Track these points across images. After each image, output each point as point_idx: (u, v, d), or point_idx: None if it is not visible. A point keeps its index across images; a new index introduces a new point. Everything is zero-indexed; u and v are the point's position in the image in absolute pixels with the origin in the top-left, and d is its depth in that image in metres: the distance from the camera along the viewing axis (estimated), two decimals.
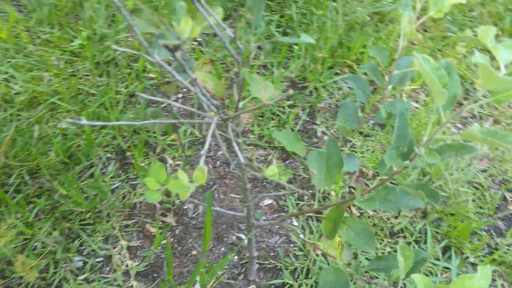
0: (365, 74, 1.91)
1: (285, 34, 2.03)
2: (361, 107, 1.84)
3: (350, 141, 1.73)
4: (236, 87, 0.74)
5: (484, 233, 1.49)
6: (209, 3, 1.34)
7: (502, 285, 1.38)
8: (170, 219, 1.49)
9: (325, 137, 1.76)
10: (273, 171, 0.54)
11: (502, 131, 0.58)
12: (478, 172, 1.63)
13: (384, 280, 1.34)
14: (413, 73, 0.87)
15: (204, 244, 0.96)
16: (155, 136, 1.66)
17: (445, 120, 0.62)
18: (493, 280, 1.39)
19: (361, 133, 1.76)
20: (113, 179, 1.54)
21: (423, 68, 0.57)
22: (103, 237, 1.42)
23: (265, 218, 1.52)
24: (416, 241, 1.46)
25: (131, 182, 1.54)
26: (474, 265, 1.42)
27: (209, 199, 0.94)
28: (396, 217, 1.51)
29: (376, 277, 1.35)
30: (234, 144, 0.65)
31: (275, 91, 0.78)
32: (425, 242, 1.45)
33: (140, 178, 1.54)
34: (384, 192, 0.85)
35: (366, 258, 1.39)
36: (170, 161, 1.62)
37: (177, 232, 1.47)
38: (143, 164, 1.58)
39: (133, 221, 1.47)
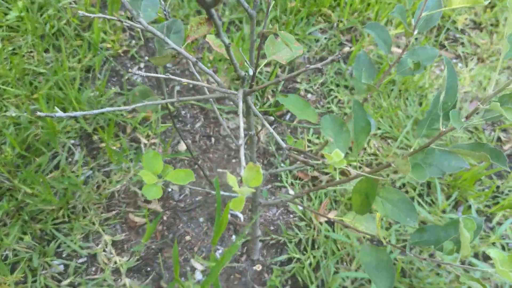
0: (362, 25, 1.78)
1: None
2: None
3: (336, 97, 1.62)
4: (250, 52, 0.59)
5: (486, 178, 1.45)
6: None
7: (510, 227, 1.35)
8: (155, 205, 1.33)
9: (309, 95, 1.63)
10: (339, 156, 0.41)
11: None
12: (475, 113, 1.57)
13: (433, 256, 1.27)
14: (440, 15, 0.75)
15: (215, 237, 0.83)
16: (122, 115, 1.47)
17: None
18: (500, 223, 1.35)
19: (346, 86, 1.64)
20: (83, 168, 1.35)
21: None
22: (83, 235, 1.25)
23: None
24: (420, 195, 1.39)
25: (104, 169, 1.36)
26: (481, 212, 1.37)
27: (217, 186, 0.80)
28: (395, 172, 1.44)
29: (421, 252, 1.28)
30: (266, 124, 0.50)
31: (295, 46, 0.63)
32: (428, 195, 1.39)
33: (114, 164, 1.37)
34: (422, 156, 0.74)
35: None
36: (143, 140, 1.44)
37: (165, 218, 1.32)
38: (114, 148, 1.40)
39: (113, 212, 1.30)
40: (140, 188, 1.35)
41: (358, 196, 0.79)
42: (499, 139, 1.55)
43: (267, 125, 0.52)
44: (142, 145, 1.44)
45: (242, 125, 0.45)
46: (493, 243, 1.29)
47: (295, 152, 0.49)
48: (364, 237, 0.86)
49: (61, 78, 1.44)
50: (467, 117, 0.61)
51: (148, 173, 0.74)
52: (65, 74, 1.45)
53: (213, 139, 1.50)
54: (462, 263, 1.25)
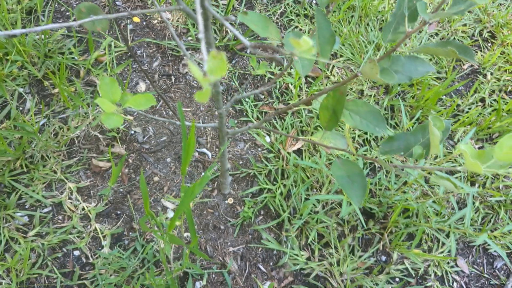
0: None
1: None
2: None
3: (297, 26, 1.57)
4: None
5: (444, 96, 1.47)
6: None
7: (471, 143, 1.39)
8: (119, 148, 1.29)
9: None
10: (307, 43, 0.38)
11: None
12: (430, 36, 1.57)
13: (402, 161, 1.29)
14: None
15: (183, 165, 0.80)
16: (73, 58, 1.38)
17: None
18: (460, 140, 1.40)
19: (306, 16, 1.60)
20: (37, 117, 1.28)
21: None
22: (45, 184, 1.20)
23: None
24: (384, 119, 1.40)
25: (60, 116, 1.29)
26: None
27: (180, 109, 0.76)
28: (359, 98, 1.44)
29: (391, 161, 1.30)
30: (227, 25, 0.46)
31: None
32: (392, 118, 1.41)
33: (70, 109, 1.29)
34: (388, 63, 0.73)
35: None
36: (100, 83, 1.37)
37: (130, 161, 1.28)
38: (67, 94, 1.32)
39: (75, 159, 1.25)
40: (101, 133, 1.29)
41: (326, 112, 0.77)
42: (458, 59, 1.56)
43: (228, 25, 0.48)
44: (98, 88, 1.36)
45: (200, 18, 0.41)
46: (455, 159, 1.33)
47: (259, 49, 0.46)
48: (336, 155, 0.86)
49: (0, 22, 1.32)
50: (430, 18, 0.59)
51: (106, 101, 0.70)
52: (3, 16, 1.33)
53: (173, 78, 1.44)
54: (427, 180, 1.29)
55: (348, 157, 1.27)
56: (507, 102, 1.45)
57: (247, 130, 0.93)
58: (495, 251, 1.27)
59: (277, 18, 1.59)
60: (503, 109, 1.41)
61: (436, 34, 1.59)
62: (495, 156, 0.59)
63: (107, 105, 0.69)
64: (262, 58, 1.52)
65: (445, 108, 1.42)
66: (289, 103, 1.43)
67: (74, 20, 1.44)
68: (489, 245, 1.26)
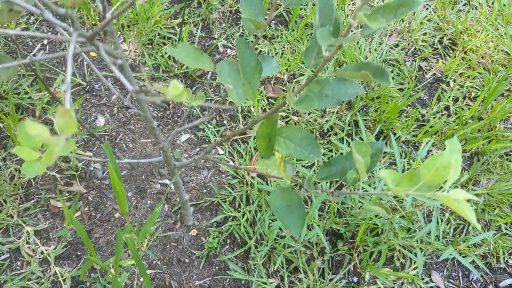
0: None
1: None
2: None
3: (256, 48, 1.56)
4: None
5: (410, 108, 1.46)
6: None
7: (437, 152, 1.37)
8: (78, 187, 1.26)
9: (229, 51, 1.57)
10: (177, 88, 0.36)
11: None
12: (391, 48, 1.57)
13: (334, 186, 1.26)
14: None
15: (121, 205, 0.78)
16: (29, 97, 1.36)
17: None
18: (429, 151, 1.38)
19: (265, 37, 1.59)
20: None
21: None
22: (1, 230, 1.17)
23: (187, 155, 1.35)
24: (349, 135, 1.38)
25: (15, 158, 1.27)
26: (408, 142, 1.39)
27: (108, 150, 0.74)
28: (322, 116, 1.42)
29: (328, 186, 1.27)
30: (114, 69, 0.44)
31: None
32: (357, 133, 1.39)
33: None
34: (318, 87, 0.71)
35: (302, 166, 1.30)
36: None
37: (90, 198, 1.25)
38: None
39: (32, 201, 1.22)
40: (59, 172, 1.26)
41: (262, 140, 0.75)
42: (420, 68, 1.55)
43: (114, 69, 0.46)
44: (55, 127, 1.34)
45: (70, 70, 0.39)
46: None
47: (144, 94, 0.43)
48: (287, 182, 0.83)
49: None
50: (343, 36, 0.57)
51: (26, 149, 0.67)
52: None
53: (132, 110, 1.41)
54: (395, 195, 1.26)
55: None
56: (470, 108, 1.43)
57: (192, 162, 0.91)
58: (471, 261, 1.24)
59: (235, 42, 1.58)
60: (465, 116, 1.39)
61: (397, 45, 1.59)
62: (422, 178, 0.57)
63: (27, 153, 0.67)
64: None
65: (409, 119, 1.41)
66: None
67: None
68: (464, 256, 1.23)
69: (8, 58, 0.62)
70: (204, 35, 1.58)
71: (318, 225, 1.14)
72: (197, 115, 1.42)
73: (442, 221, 1.26)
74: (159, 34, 1.53)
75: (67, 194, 1.24)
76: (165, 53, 1.50)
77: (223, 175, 1.33)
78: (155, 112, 1.43)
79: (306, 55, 0.66)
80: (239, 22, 1.63)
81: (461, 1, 1.69)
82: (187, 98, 0.38)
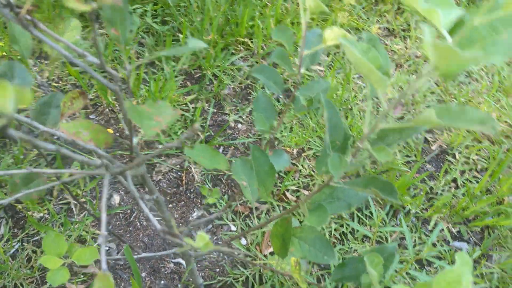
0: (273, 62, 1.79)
1: (164, 22, 1.83)
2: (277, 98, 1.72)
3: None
4: (125, 124, 0.57)
5: (419, 182, 1.48)
6: (61, 16, 1.12)
7: (448, 228, 1.38)
8: (93, 268, 1.27)
9: (240, 125, 1.62)
10: (204, 239, 0.39)
11: (455, 107, 0.48)
12: (396, 121, 1.61)
13: None
14: (323, 49, 0.76)
15: None
16: (48, 178, 1.41)
17: (386, 107, 0.51)
18: (436, 224, 1.39)
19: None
20: (10, 243, 1.28)
21: (352, 55, 0.44)
22: None
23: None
24: (359, 209, 1.40)
25: (33, 239, 1.29)
26: (419, 218, 1.40)
27: (129, 253, 0.77)
28: None
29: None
30: (143, 206, 0.48)
31: (173, 111, 0.62)
32: (366, 208, 1.41)
33: (42, 232, 1.30)
34: (330, 191, 0.74)
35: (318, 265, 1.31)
36: (73, 201, 1.38)
37: None
38: (41, 214, 1.33)
39: (48, 284, 1.23)
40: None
41: (277, 240, 0.78)
42: (426, 140, 1.59)
43: (143, 206, 0.50)
44: (72, 206, 1.38)
45: (104, 219, 0.42)
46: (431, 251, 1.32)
47: (170, 235, 0.47)
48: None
49: None
50: (353, 155, 0.61)
51: (51, 258, 0.70)
52: None
53: (147, 188, 1.45)
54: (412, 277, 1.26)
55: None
56: (478, 181, 1.46)
57: (206, 254, 0.93)
58: None
59: (246, 116, 1.64)
60: (473, 191, 1.41)
61: (402, 117, 1.64)
62: None
63: (52, 262, 0.70)
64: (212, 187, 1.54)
65: (419, 193, 1.43)
66: (262, 200, 1.44)
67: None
68: None
69: (40, 175, 0.66)
70: (215, 110, 1.65)
71: None
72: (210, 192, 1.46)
73: None
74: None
75: (82, 276, 1.25)
76: (179, 129, 1.56)
77: (236, 254, 1.34)
78: (169, 189, 1.46)
79: (317, 164, 0.70)
80: (249, 97, 1.70)
81: (463, 74, 1.76)
82: (208, 248, 0.41)
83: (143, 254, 0.88)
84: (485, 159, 1.52)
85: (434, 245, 1.35)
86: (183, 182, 1.48)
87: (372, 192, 0.60)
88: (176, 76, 1.70)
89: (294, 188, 1.47)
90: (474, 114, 0.46)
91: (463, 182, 1.48)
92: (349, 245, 1.33)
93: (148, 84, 1.61)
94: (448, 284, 0.58)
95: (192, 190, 1.46)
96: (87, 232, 1.32)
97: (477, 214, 1.38)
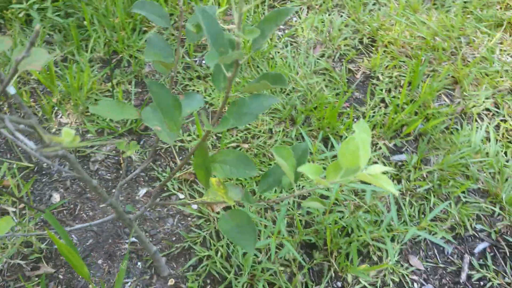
0: None
1: (68, 15, 1.77)
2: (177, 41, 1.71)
3: (193, 90, 1.61)
4: None
5: (348, 109, 1.52)
6: None
7: (384, 144, 1.43)
8: (45, 268, 1.23)
9: None
10: (69, 134, 0.38)
11: None
12: (318, 59, 1.64)
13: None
14: None
15: (78, 269, 0.77)
16: None
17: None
18: (375, 144, 1.43)
19: (199, 77, 1.64)
20: None
21: None
22: None
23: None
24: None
25: None
26: None
27: (50, 218, 0.75)
28: (270, 137, 1.46)
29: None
30: (6, 134, 0.46)
31: (47, 54, 0.60)
32: None
33: None
34: (235, 107, 0.74)
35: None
36: (11, 209, 1.33)
37: (61, 276, 1.23)
38: None
39: None
40: (24, 258, 1.24)
41: (200, 171, 0.77)
42: (350, 70, 1.63)
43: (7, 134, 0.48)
44: (11, 214, 1.32)
45: None
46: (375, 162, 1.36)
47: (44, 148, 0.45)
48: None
49: None
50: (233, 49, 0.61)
51: None
52: None
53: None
54: (356, 192, 1.30)
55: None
56: (399, 96, 1.51)
57: (145, 211, 0.92)
58: (442, 237, 1.27)
59: (172, 88, 1.62)
60: (398, 104, 1.46)
61: (323, 55, 1.67)
62: (342, 165, 0.60)
63: None
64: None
65: (348, 119, 1.47)
66: None
67: None
68: (434, 234, 1.27)
69: None
70: (140, 90, 1.62)
71: (288, 241, 1.16)
72: (150, 166, 1.44)
73: (404, 205, 1.30)
74: (95, 100, 1.56)
75: (36, 279, 1.21)
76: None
77: (189, 218, 1.33)
78: (108, 175, 1.43)
79: (215, 80, 0.70)
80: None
81: (371, 2, 1.81)
82: (76, 143, 0.40)
83: (77, 226, 0.86)
84: (407, 74, 1.58)
85: (375, 162, 1.39)
86: (122, 165, 1.46)
87: (262, 85, 0.61)
88: (92, 66, 1.66)
89: (233, 144, 1.48)
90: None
91: (390, 100, 1.53)
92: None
93: (66, 80, 1.56)
94: (350, 153, 0.59)
95: (132, 171, 1.44)
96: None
97: (406, 124, 1.43)
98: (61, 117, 1.53)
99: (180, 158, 1.46)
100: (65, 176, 1.43)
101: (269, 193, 1.29)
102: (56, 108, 1.54)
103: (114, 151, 1.48)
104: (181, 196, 1.38)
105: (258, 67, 1.63)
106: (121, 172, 1.45)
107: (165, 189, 1.39)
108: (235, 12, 0.54)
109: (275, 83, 0.61)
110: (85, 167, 1.45)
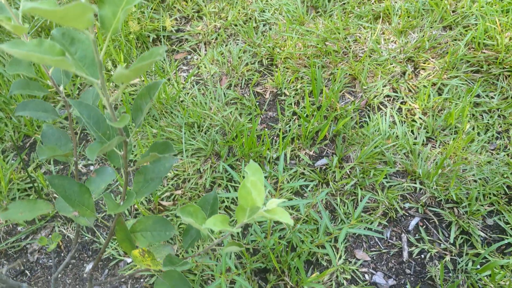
0: None
1: None
2: None
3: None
4: None
5: (266, 129, 1.59)
6: None
7: (306, 153, 1.51)
8: None
9: (91, 167, 1.60)
10: None
11: None
12: (226, 90, 1.71)
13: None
14: None
15: None
16: None
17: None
18: (297, 156, 1.51)
19: None
20: None
21: None
22: None
23: (99, 283, 1.34)
24: (230, 180, 1.48)
25: None
26: (278, 157, 1.51)
27: None
28: (200, 177, 1.50)
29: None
30: None
31: None
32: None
33: None
34: (141, 176, 0.78)
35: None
36: None
37: None
38: None
39: None
40: None
41: (125, 244, 0.80)
42: (258, 93, 1.71)
43: None
44: None
45: None
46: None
47: None
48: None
49: None
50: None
51: None
52: None
53: (27, 272, 1.39)
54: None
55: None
56: (311, 104, 1.61)
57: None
58: (378, 224, 1.36)
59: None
60: (307, 115, 1.56)
61: (230, 85, 1.74)
62: (245, 206, 0.65)
63: None
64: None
65: (273, 138, 1.54)
66: None
67: None
68: (370, 223, 1.36)
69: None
70: (63, 166, 1.61)
71: (239, 274, 1.19)
72: (91, 240, 1.43)
73: (338, 205, 1.38)
74: (18, 190, 1.53)
75: None
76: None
77: (141, 280, 1.34)
78: (50, 261, 1.40)
79: (111, 159, 0.73)
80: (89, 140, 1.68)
81: (261, 24, 1.91)
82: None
83: None
84: (309, 83, 1.68)
85: (302, 173, 1.47)
86: (62, 247, 1.44)
87: (152, 157, 0.65)
88: (7, 156, 1.62)
89: (167, 194, 1.50)
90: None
91: (301, 110, 1.62)
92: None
93: None
94: (247, 196, 0.64)
95: (73, 250, 1.42)
96: None
97: (319, 129, 1.52)
98: None
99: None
100: (4, 274, 1.38)
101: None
102: None
103: (49, 235, 1.46)
104: (129, 260, 1.38)
105: (172, 112, 1.67)
106: (62, 254, 1.42)
107: (111, 257, 1.39)
108: (106, 103, 0.58)
109: (163, 151, 0.65)
110: (24, 260, 1.41)
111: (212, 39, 1.88)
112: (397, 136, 1.50)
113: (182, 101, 1.70)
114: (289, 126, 1.59)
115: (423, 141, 1.49)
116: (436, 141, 1.49)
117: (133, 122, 0.65)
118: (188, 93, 1.73)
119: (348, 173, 1.46)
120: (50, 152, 0.76)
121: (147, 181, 0.77)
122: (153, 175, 0.77)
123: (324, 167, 1.49)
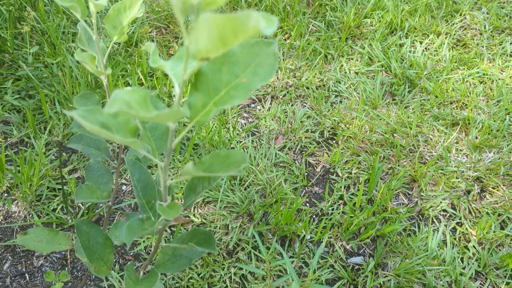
0: None
1: (30, 96, 1.75)
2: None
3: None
4: None
5: (308, 206, 1.50)
6: None
7: (342, 245, 1.40)
8: None
9: (124, 187, 1.56)
10: None
11: (223, 152, 0.48)
12: (279, 151, 1.65)
13: None
14: None
15: None
16: None
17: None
18: (332, 245, 1.40)
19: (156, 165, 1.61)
20: None
21: None
22: None
23: None
24: (255, 247, 1.39)
25: None
26: (313, 242, 1.41)
27: None
28: (226, 233, 1.42)
29: None
30: None
31: None
32: (263, 243, 1.39)
33: None
34: (171, 250, 0.71)
35: None
36: None
37: None
38: None
39: None
40: None
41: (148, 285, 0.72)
42: (309, 164, 1.63)
43: None
44: None
45: None
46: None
47: None
48: None
49: None
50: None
51: None
52: None
53: (27, 275, 1.33)
54: None
55: None
56: (363, 194, 1.51)
57: None
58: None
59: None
60: (354, 204, 1.46)
61: (284, 146, 1.67)
62: None
63: None
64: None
65: (311, 217, 1.44)
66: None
67: None
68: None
69: None
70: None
71: None
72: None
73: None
74: (48, 188, 1.50)
75: None
76: (57, 205, 1.47)
77: None
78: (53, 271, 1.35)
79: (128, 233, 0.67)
80: None
81: (333, 94, 1.85)
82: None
83: None
84: (366, 171, 1.59)
85: (332, 266, 1.36)
86: (68, 261, 1.38)
87: (189, 246, 0.58)
88: (49, 150, 1.61)
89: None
90: (236, 156, 0.46)
91: (349, 197, 1.52)
92: (251, 286, 1.30)
93: (17, 166, 1.51)
94: None
95: (79, 268, 1.36)
96: None
97: (364, 225, 1.42)
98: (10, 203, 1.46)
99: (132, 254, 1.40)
100: (5, 271, 1.34)
101: None
102: (6, 194, 1.48)
103: (59, 261, 1.41)
104: None
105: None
106: (66, 268, 1.37)
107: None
108: (162, 184, 0.52)
109: (202, 244, 0.58)
110: (28, 262, 1.37)
111: (281, 95, 1.84)
112: (444, 259, 1.37)
113: (232, 148, 1.64)
114: (333, 210, 1.49)
115: (472, 274, 1.35)
116: (487, 279, 1.34)
117: (182, 201, 0.59)
118: (240, 142, 1.67)
119: (381, 283, 1.33)
120: (88, 194, 0.71)
121: (176, 256, 0.70)
122: (184, 252, 0.70)
123: (357, 267, 1.37)
